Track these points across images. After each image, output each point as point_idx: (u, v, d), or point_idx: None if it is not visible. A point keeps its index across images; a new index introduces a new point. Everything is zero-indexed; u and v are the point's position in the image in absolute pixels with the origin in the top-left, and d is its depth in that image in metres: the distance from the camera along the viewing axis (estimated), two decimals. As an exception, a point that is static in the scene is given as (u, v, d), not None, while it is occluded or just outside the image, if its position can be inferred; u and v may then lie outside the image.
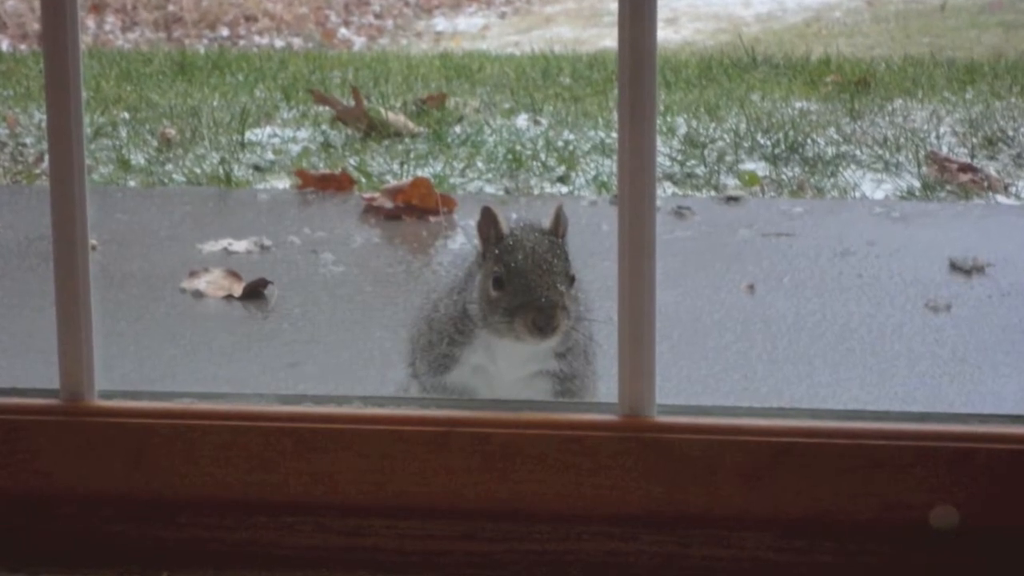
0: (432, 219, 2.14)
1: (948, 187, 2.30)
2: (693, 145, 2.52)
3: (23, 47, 3.98)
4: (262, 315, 1.76)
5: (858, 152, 2.47)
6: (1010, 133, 2.51)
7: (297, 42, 4.30)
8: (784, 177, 2.38)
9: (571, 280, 1.15)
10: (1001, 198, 2.27)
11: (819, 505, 1.02)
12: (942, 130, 2.57)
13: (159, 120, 2.69)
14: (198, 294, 1.82)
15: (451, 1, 4.67)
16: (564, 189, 2.36)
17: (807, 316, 1.72)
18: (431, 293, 1.25)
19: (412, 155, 2.50)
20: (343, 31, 4.52)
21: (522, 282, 1.12)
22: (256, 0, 4.43)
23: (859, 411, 1.09)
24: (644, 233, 1.02)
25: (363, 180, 2.38)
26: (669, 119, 2.66)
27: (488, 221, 1.17)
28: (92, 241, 1.08)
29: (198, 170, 2.42)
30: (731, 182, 2.37)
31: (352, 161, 2.48)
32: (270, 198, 2.31)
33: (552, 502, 1.02)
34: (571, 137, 2.60)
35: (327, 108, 2.74)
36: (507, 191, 2.36)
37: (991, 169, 2.38)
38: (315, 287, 1.85)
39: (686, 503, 1.02)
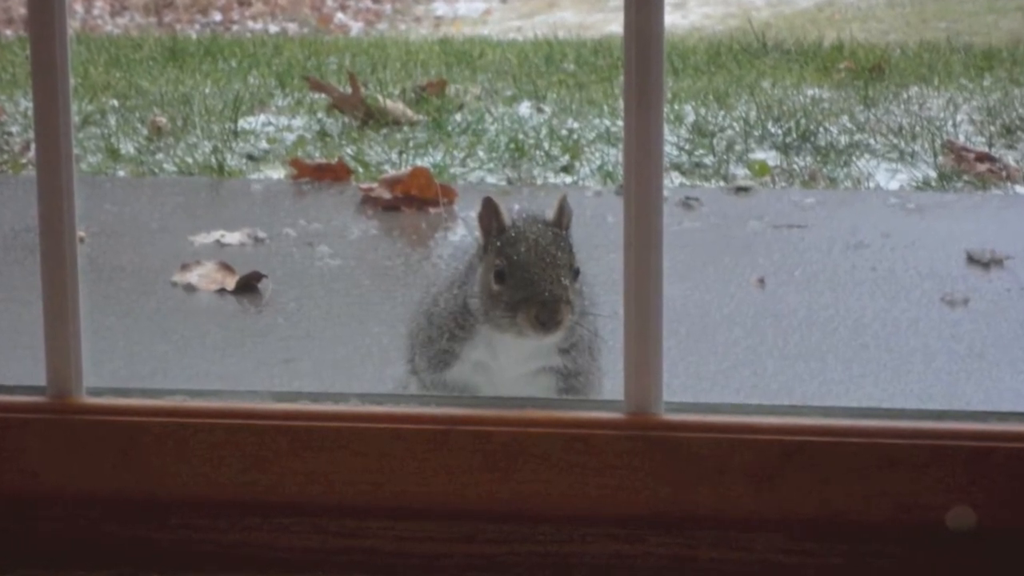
0: (432, 210, 2.12)
1: (965, 177, 2.26)
2: (701, 134, 2.49)
3: (8, 32, 3.95)
4: (256, 310, 1.73)
5: (872, 141, 2.43)
6: (1029, 121, 2.49)
7: (292, 27, 4.25)
8: (795, 167, 2.35)
9: (575, 273, 1.13)
10: (1020, 188, 2.25)
11: (831, 506, 0.99)
12: (959, 118, 2.54)
13: (149, 108, 2.66)
14: (190, 288, 1.80)
15: (451, -15, 4.61)
16: (568, 179, 2.34)
17: (819, 310, 1.70)
18: (431, 287, 1.23)
19: (411, 144, 2.47)
20: (340, 16, 4.48)
21: (525, 275, 1.10)
22: (250, -16, 4.38)
23: (873, 409, 1.07)
24: (651, 225, 0.99)
25: (360, 170, 2.35)
26: (677, 107, 2.62)
27: (489, 212, 1.14)
28: (80, 233, 1.05)
29: (190, 159, 2.39)
30: (741, 172, 2.35)
31: (349, 150, 2.46)
32: (264, 188, 2.29)
33: (556, 503, 1.00)
34: (575, 125, 2.57)
35: (323, 95, 2.71)
36: (509, 181, 2.34)
37: (1010, 159, 2.35)
38: (311, 280, 1.83)
39: (694, 504, 1.00)
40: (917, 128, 2.47)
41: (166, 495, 1.02)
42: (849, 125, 2.52)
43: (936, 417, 1.03)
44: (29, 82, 1.04)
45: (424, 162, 2.36)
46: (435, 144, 2.48)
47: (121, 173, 2.37)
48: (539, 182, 2.33)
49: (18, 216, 2.04)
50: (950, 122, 2.52)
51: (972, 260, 1.85)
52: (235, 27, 4.25)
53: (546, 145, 2.46)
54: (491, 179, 2.36)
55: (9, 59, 3.04)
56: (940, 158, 2.34)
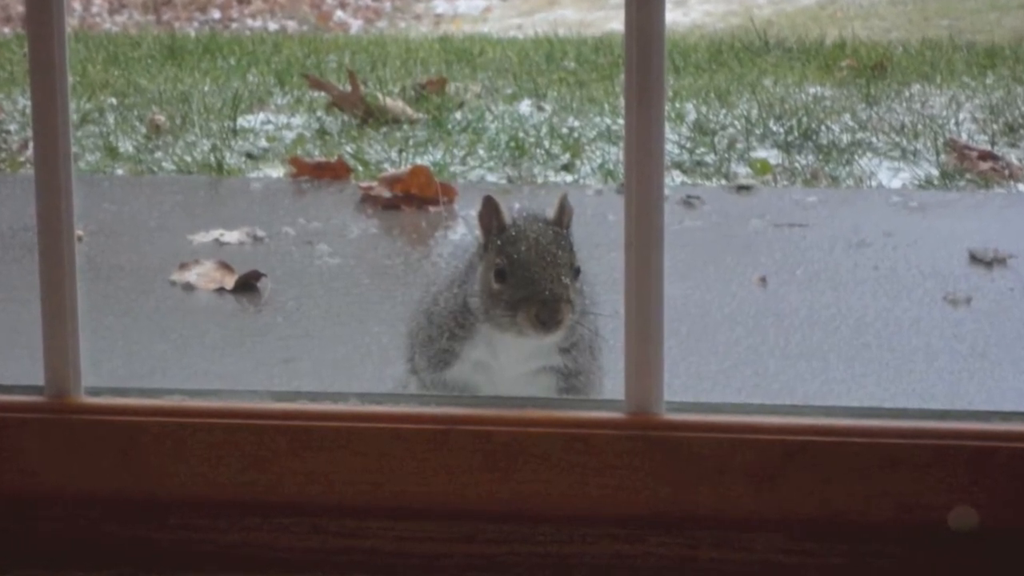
0: (432, 209, 2.11)
1: (968, 176, 2.26)
2: (703, 132, 2.48)
3: (6, 30, 3.94)
4: (255, 309, 1.73)
5: (874, 139, 2.43)
6: (1032, 119, 2.47)
7: (291, 25, 4.24)
8: (797, 165, 2.34)
9: (576, 272, 1.12)
10: (1023, 187, 2.23)
11: (833, 506, 0.99)
12: (961, 116, 2.53)
13: (148, 106, 2.65)
14: (189, 287, 1.79)
15: (451, -18, 4.59)
16: (569, 178, 2.33)
17: (821, 310, 1.69)
18: (430, 286, 1.23)
19: (411, 142, 2.47)
20: (339, 13, 4.47)
21: (525, 274, 1.10)
22: (249, -19, 4.37)
23: (875, 409, 1.06)
24: (652, 223, 0.98)
25: (360, 168, 2.34)
26: (678, 105, 2.62)
27: (490, 211, 1.14)
28: (78, 232, 1.05)
29: (188, 158, 2.38)
30: (742, 170, 2.34)
31: (348, 149, 2.45)
32: (263, 187, 2.28)
33: (556, 503, 1.00)
34: (576, 124, 2.56)
35: (323, 93, 2.70)
36: (509, 180, 2.33)
37: (1012, 157, 2.34)
38: (310, 280, 1.83)
39: (695, 504, 0.99)
40: (919, 126, 2.47)
41: (165, 495, 1.01)
42: (851, 123, 2.51)
43: (938, 417, 1.03)
44: (27, 80, 1.03)
45: (424, 160, 2.36)
46: (435, 142, 2.48)
47: (120, 172, 2.37)
48: (540, 180, 2.33)
49: (16, 215, 2.03)
50: (952, 120, 2.51)
51: (975, 259, 1.85)
52: (234, 25, 4.24)
53: (547, 143, 2.45)
54: (491, 177, 2.35)
55: (7, 57, 3.03)
56: (942, 156, 2.34)
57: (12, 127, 2.57)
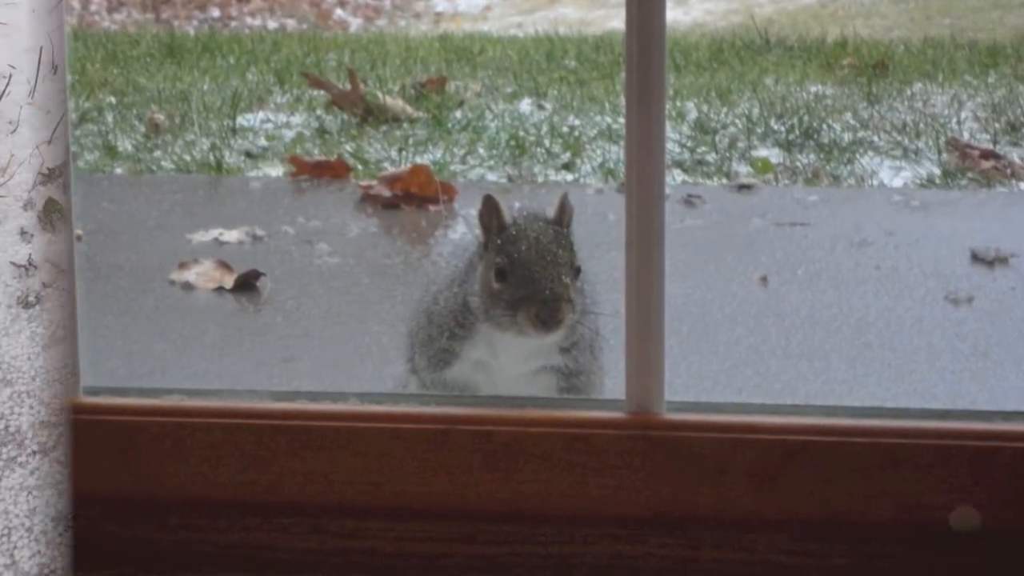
0: (432, 208, 2.10)
1: (970, 174, 2.25)
2: (704, 131, 2.47)
3: (5, 28, 3.92)
4: (254, 308, 1.72)
5: (876, 138, 2.42)
6: (1034, 118, 2.47)
7: (291, 23, 4.24)
8: (799, 164, 2.34)
9: (576, 271, 1.12)
10: (1025, 186, 2.24)
11: (834, 506, 0.99)
12: (963, 115, 2.51)
13: (147, 105, 2.64)
14: (188, 286, 1.78)
15: (451, -19, 4.59)
16: (569, 177, 2.32)
17: (822, 309, 1.68)
18: (430, 285, 1.22)
19: (411, 141, 2.46)
20: (339, 12, 4.47)
21: (525, 274, 1.09)
22: (249, -20, 4.37)
23: (877, 408, 1.06)
24: (652, 223, 0.99)
25: (360, 167, 2.34)
26: (679, 104, 2.61)
27: (490, 210, 1.14)
28: (77, 231, 1.06)
29: (188, 157, 2.37)
30: (743, 169, 2.33)
31: (348, 147, 2.44)
32: (263, 186, 2.27)
33: (556, 503, 1.00)
34: (577, 122, 2.56)
35: (322, 92, 2.69)
36: (510, 179, 2.32)
37: (1014, 156, 2.33)
38: (310, 279, 1.82)
39: (695, 504, 0.99)
40: (921, 125, 2.46)
41: (165, 495, 1.01)
42: (852, 122, 2.50)
43: (940, 417, 1.03)
44: (25, 78, 1.03)
45: (424, 159, 2.35)
46: (435, 141, 2.47)
47: (119, 171, 2.36)
48: (540, 179, 2.32)
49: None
50: (954, 119, 2.50)
51: (976, 258, 1.84)
52: (233, 23, 4.24)
53: (547, 142, 2.44)
54: (492, 176, 2.35)
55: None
56: (944, 155, 2.33)
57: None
